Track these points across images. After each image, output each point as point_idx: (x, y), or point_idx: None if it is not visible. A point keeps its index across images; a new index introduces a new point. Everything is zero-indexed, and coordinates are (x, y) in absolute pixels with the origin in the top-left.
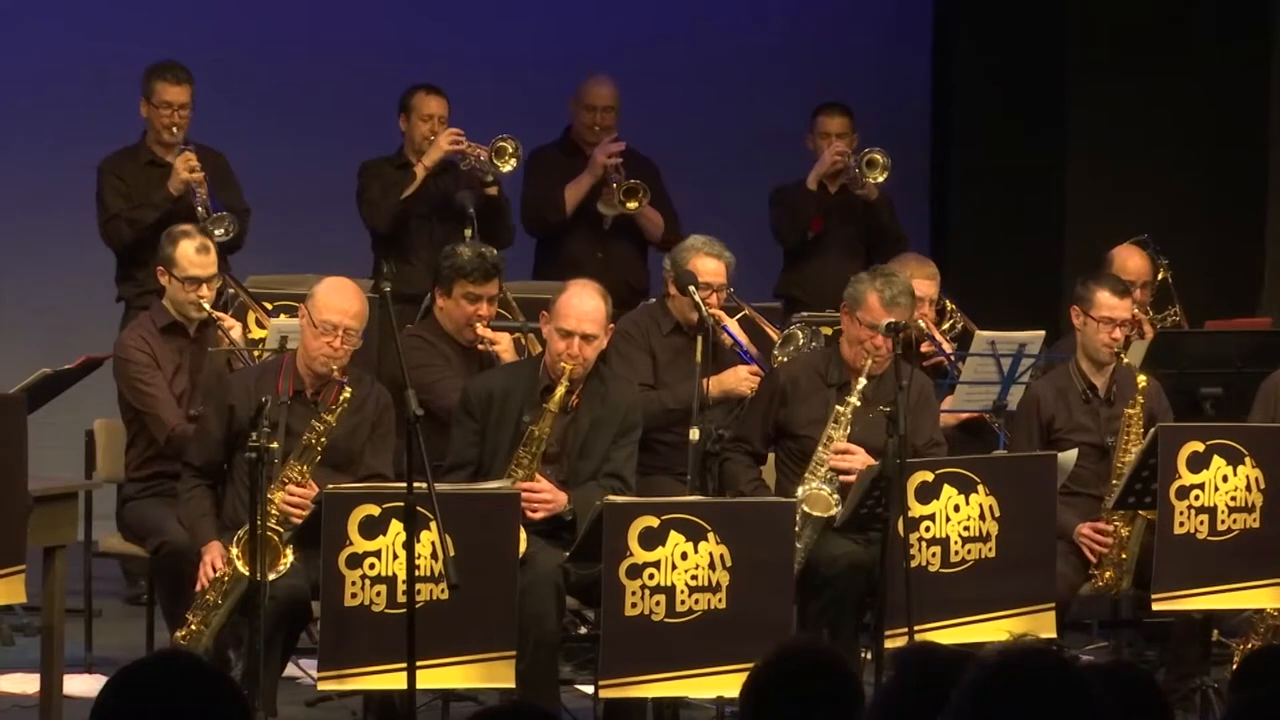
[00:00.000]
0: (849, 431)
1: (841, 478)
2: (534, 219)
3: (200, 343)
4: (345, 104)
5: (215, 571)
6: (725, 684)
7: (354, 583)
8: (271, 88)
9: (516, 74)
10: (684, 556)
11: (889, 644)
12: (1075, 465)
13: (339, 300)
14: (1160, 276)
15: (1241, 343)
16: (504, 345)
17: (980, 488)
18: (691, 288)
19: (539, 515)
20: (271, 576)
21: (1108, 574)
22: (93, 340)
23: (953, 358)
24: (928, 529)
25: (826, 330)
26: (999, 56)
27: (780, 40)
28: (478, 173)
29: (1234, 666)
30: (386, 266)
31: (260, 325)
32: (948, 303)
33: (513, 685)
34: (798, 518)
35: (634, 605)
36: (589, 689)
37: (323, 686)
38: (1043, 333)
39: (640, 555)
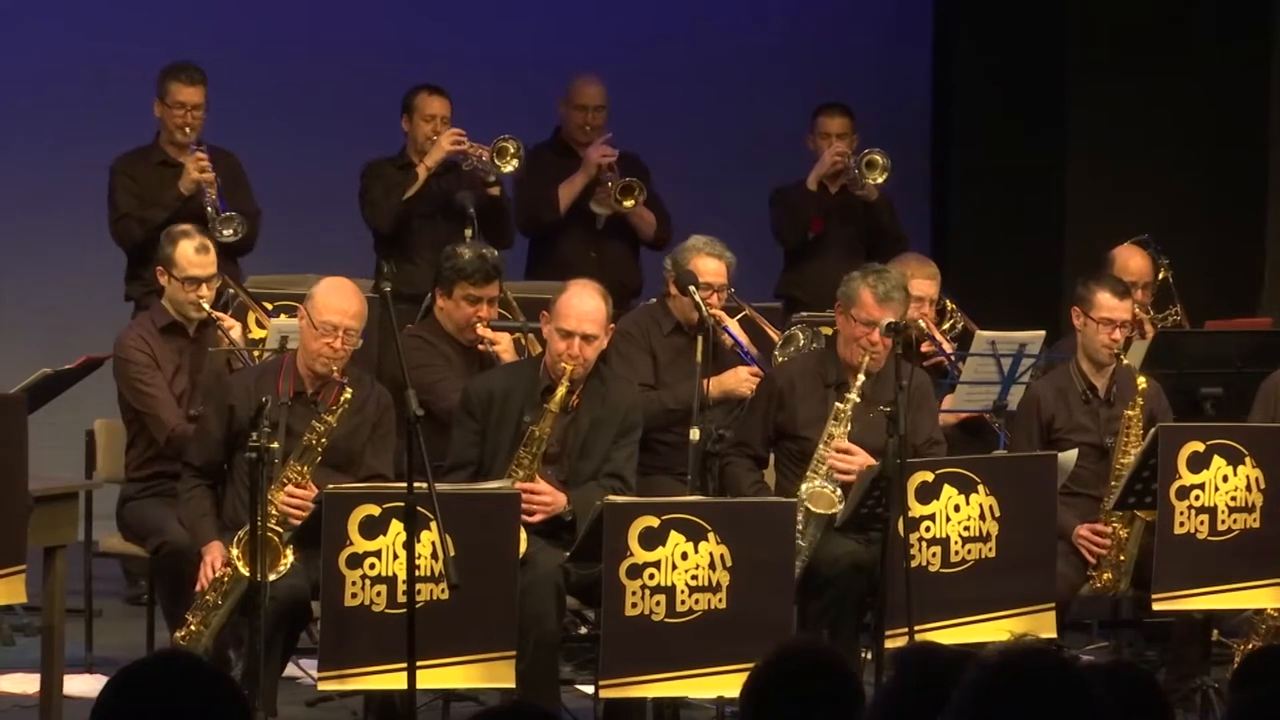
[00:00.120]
0: (849, 429)
1: (841, 477)
2: (528, 219)
3: (200, 343)
4: (345, 104)
5: (215, 572)
6: (725, 684)
7: (354, 583)
8: (271, 88)
9: (516, 74)
10: (684, 556)
11: (889, 644)
12: (1075, 466)
13: (338, 301)
14: (1161, 277)
15: (1241, 343)
16: (504, 345)
17: (980, 488)
18: (692, 288)
19: (537, 518)
20: (272, 577)
21: (1106, 575)
22: (93, 340)
23: (953, 358)
24: (928, 529)
25: (827, 330)
26: (999, 56)
27: (780, 40)
28: (480, 173)
29: (1234, 667)
30: (387, 266)
31: (260, 325)
32: (948, 303)
33: (513, 685)
34: (800, 515)
35: (634, 605)
36: (589, 689)
37: (323, 686)
38: (1043, 333)
39: (640, 555)
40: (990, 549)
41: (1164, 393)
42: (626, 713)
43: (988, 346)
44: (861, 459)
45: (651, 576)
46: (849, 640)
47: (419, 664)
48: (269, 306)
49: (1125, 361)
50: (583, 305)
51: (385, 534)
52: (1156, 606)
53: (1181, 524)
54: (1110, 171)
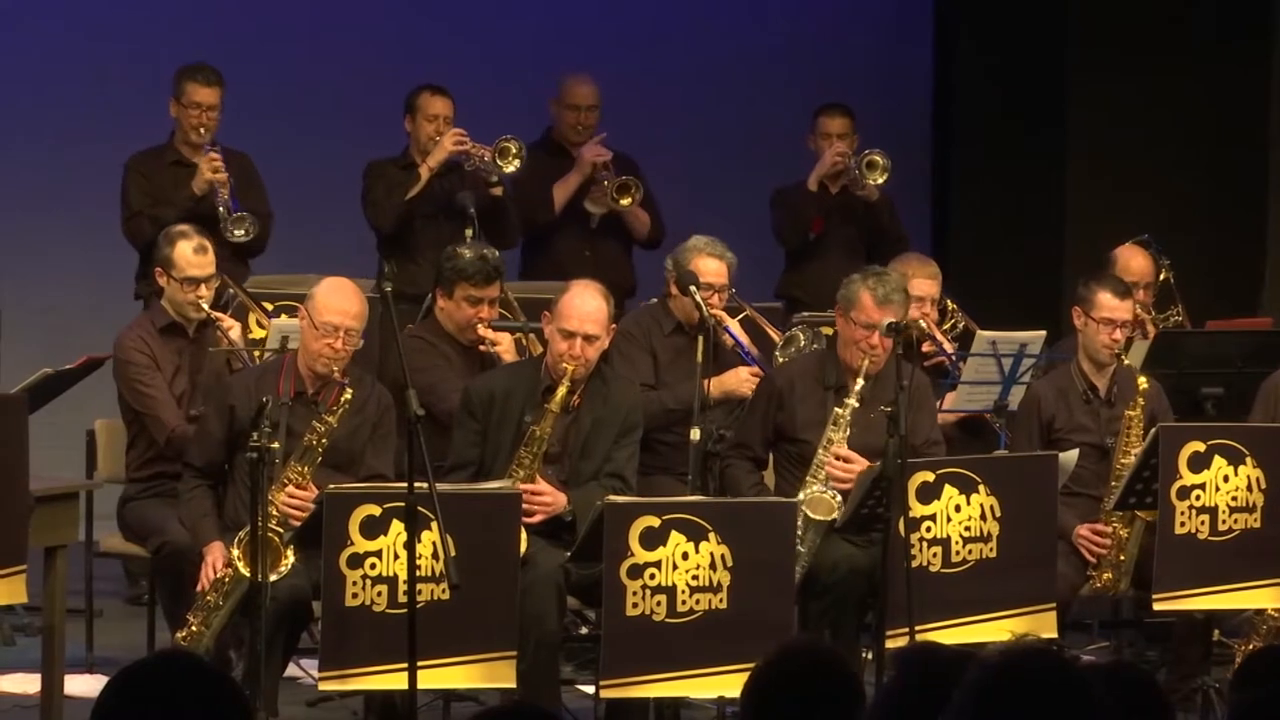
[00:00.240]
0: (848, 433)
1: (839, 485)
2: (523, 219)
3: (199, 343)
4: (345, 104)
5: (216, 572)
6: (726, 684)
7: (355, 583)
8: (271, 88)
9: (516, 74)
10: (685, 556)
11: (890, 644)
12: (1076, 466)
13: (339, 301)
14: (1162, 277)
15: (1242, 343)
16: (506, 346)
17: (981, 488)
18: (693, 288)
19: (538, 518)
20: (273, 578)
21: (1106, 575)
22: (93, 340)
23: (954, 358)
24: (929, 529)
25: (828, 331)
26: (999, 56)
27: (780, 40)
28: (482, 173)
29: (1235, 667)
30: (388, 267)
31: (260, 325)
32: (949, 303)
33: (514, 685)
34: (800, 522)
35: (635, 605)
36: (590, 689)
37: (324, 686)
38: (1044, 333)
39: (641, 555)
40: (991, 549)
41: (1164, 393)
42: (627, 713)
43: (988, 346)
44: (859, 466)
45: (652, 576)
46: (850, 640)
47: (420, 664)
48: (269, 307)
49: (1126, 361)
50: (584, 306)
51: (386, 534)
52: (1157, 607)
53: (1182, 524)
54: (1110, 171)
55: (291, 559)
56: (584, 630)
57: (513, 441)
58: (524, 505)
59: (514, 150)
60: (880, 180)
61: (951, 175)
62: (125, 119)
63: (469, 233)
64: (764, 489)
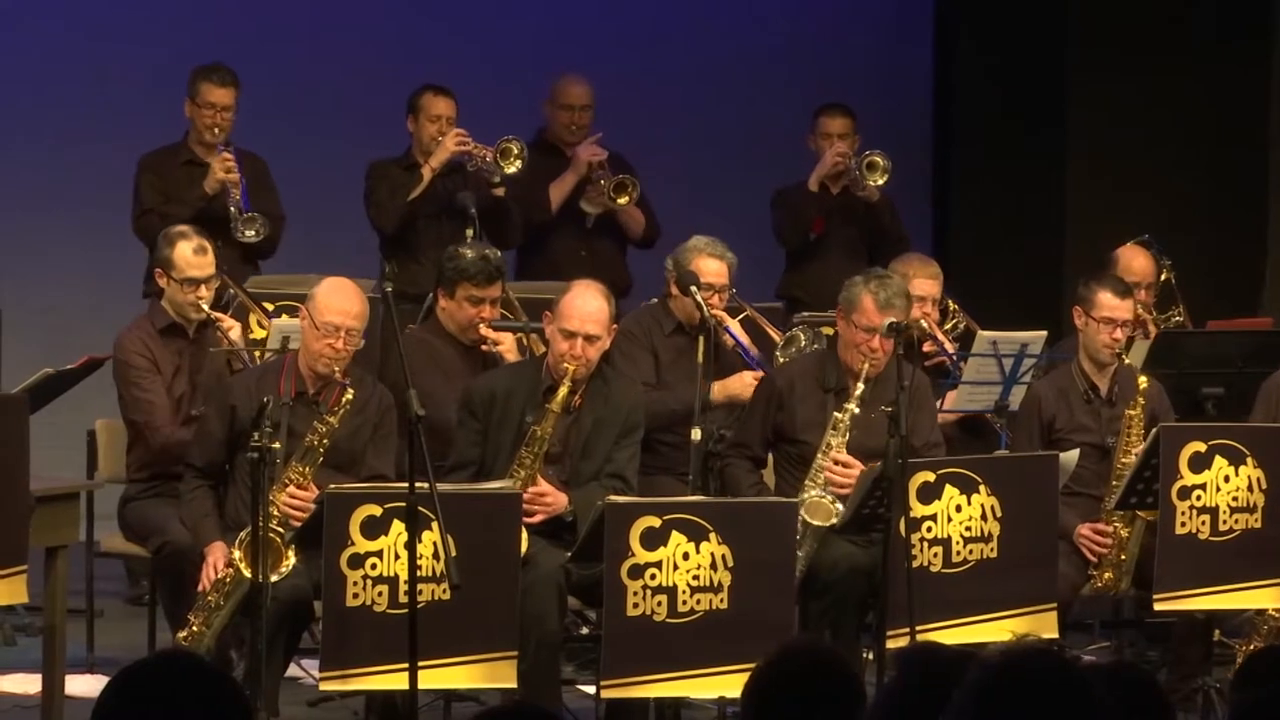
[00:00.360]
0: (847, 438)
1: (838, 490)
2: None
3: (199, 344)
4: (345, 104)
5: (217, 572)
6: (727, 684)
7: (356, 583)
8: (271, 88)
9: (516, 74)
10: (686, 557)
11: (891, 644)
12: (1076, 466)
13: (339, 301)
14: (1163, 277)
15: (1243, 343)
16: (508, 346)
17: (982, 488)
18: (693, 288)
19: (538, 518)
20: (274, 578)
21: (1107, 575)
22: (94, 340)
23: (955, 358)
24: (929, 529)
25: (828, 331)
26: (999, 56)
27: (780, 40)
28: (484, 174)
29: (1236, 667)
30: (388, 267)
31: (261, 326)
32: (950, 303)
33: (514, 685)
34: (798, 526)
35: (636, 605)
36: (591, 689)
37: (325, 687)
38: (1044, 333)
39: (642, 555)
40: (992, 549)
41: (1165, 392)
42: (628, 713)
43: (989, 346)
44: (858, 471)
45: (653, 577)
46: (850, 640)
47: (420, 664)
48: (270, 307)
49: (1127, 361)
50: (586, 306)
51: (387, 534)
52: (1158, 607)
53: (1183, 524)
54: (1110, 171)
55: (292, 559)
56: (585, 630)
57: (514, 441)
58: (525, 505)
59: (515, 151)
60: (880, 181)
61: (952, 175)
62: (125, 119)
63: (469, 233)
64: (764, 488)
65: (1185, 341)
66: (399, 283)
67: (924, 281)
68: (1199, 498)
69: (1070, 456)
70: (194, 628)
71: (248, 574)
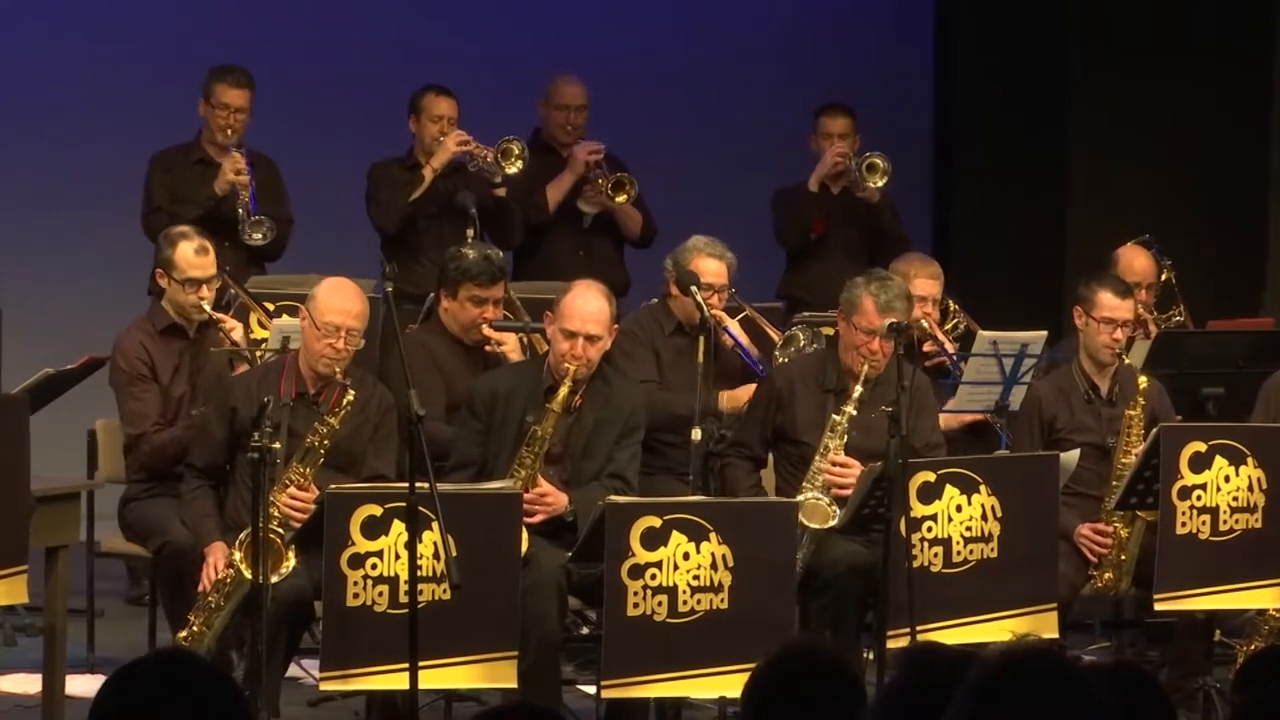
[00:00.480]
0: (846, 440)
1: (837, 492)
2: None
3: (200, 344)
4: (345, 104)
5: (218, 573)
6: (727, 684)
7: (356, 583)
8: (271, 88)
9: (516, 74)
10: (686, 557)
11: (891, 644)
12: (1077, 466)
13: (340, 301)
14: (1164, 277)
15: (1243, 343)
16: (510, 345)
17: (982, 488)
18: (693, 288)
19: (538, 518)
20: (274, 579)
21: (1107, 575)
22: (94, 340)
23: (955, 358)
24: (930, 529)
25: (828, 331)
26: (999, 56)
27: (780, 40)
28: (485, 174)
29: (1237, 667)
30: (389, 267)
31: (261, 326)
32: (951, 303)
33: (515, 685)
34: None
35: (636, 605)
36: (591, 689)
37: (325, 687)
38: (1045, 333)
39: (642, 555)
40: (992, 549)
41: (1166, 392)
42: (629, 713)
43: (990, 347)
44: (856, 472)
45: (653, 577)
46: (851, 640)
47: (421, 664)
48: (270, 307)
49: (1127, 361)
50: (587, 306)
51: (387, 534)
52: (1159, 607)
53: (1183, 524)
54: (1110, 171)
55: (293, 560)
56: (585, 630)
57: (514, 441)
58: (526, 505)
59: (516, 151)
60: (880, 183)
61: (952, 175)
62: (125, 119)
63: (470, 233)
64: (760, 490)
65: (1186, 341)
66: (400, 283)
67: (924, 281)
68: (1199, 498)
69: (1070, 457)
70: (194, 628)
71: (248, 574)
